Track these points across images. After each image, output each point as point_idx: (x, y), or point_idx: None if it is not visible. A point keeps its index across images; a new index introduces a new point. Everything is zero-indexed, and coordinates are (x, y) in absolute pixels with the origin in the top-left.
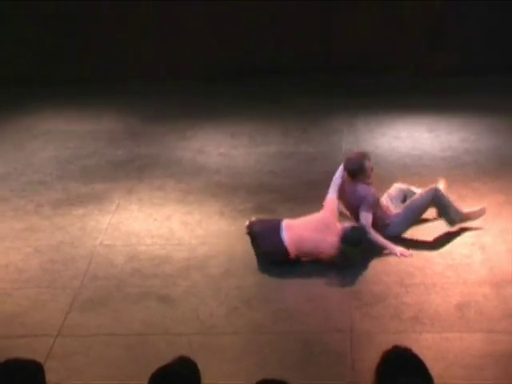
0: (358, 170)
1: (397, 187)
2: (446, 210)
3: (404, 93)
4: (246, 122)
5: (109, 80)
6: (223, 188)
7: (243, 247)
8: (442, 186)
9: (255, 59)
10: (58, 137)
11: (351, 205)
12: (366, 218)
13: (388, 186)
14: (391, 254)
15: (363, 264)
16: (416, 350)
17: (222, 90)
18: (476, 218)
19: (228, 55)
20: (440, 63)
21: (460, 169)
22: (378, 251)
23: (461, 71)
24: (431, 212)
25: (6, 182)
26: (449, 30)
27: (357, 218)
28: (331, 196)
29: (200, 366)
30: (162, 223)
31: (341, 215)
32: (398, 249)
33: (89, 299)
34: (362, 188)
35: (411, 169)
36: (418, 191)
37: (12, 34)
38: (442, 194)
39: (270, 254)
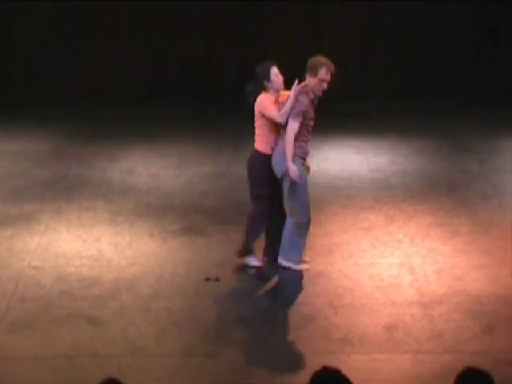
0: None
1: None
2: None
3: (330, 115)
4: (177, 143)
5: (36, 104)
6: (153, 209)
7: (172, 268)
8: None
9: (186, 81)
10: None
11: None
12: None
13: (319, 208)
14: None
15: (293, 285)
16: (345, 371)
17: (152, 112)
18: None
19: (158, 78)
20: (364, 87)
21: (388, 190)
22: (307, 273)
23: (384, 95)
24: (361, 232)
25: None
26: (373, 57)
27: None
28: None
29: None
30: (92, 244)
31: None
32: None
33: (16, 321)
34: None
35: (341, 190)
36: None
37: None
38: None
39: None
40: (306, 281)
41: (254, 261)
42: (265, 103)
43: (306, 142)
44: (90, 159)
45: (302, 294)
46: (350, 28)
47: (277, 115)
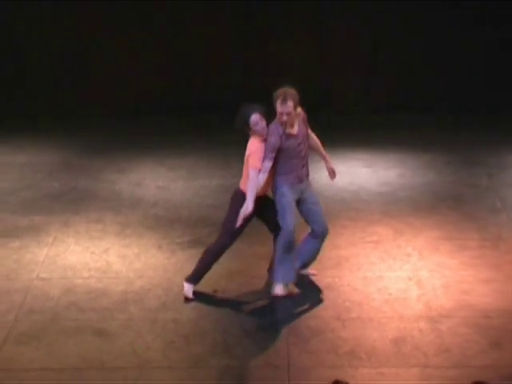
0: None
1: None
2: None
3: (339, 129)
4: (185, 156)
5: (46, 115)
6: (161, 221)
7: (180, 281)
8: None
9: (193, 95)
10: None
11: None
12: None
13: (327, 221)
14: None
15: (300, 298)
16: None
17: (160, 124)
18: None
19: (166, 90)
20: (373, 100)
21: (397, 204)
22: (316, 285)
23: (393, 109)
24: (370, 246)
25: None
26: (383, 69)
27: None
28: None
29: None
30: (100, 256)
31: None
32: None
33: (23, 333)
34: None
35: (349, 203)
36: None
37: None
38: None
39: None
40: (313, 294)
41: (190, 290)
42: (252, 150)
43: (293, 170)
44: (98, 171)
45: (310, 307)
46: (357, 41)
47: (256, 172)
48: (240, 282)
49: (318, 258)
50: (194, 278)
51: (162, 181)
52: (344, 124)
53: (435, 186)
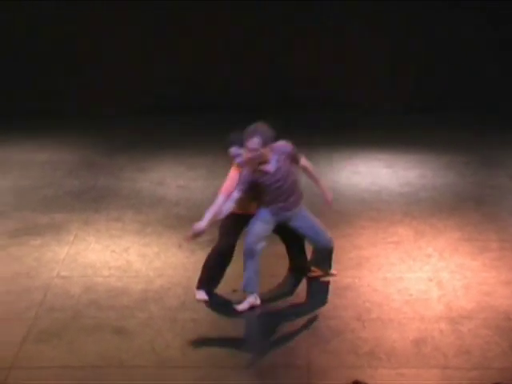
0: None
1: None
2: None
3: (361, 129)
4: (205, 155)
5: (65, 114)
6: (181, 220)
7: None
8: None
9: (213, 94)
10: (13, 167)
11: None
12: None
13: (347, 221)
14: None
15: (320, 298)
16: None
17: (181, 123)
18: None
19: (186, 88)
20: (394, 101)
21: (417, 204)
22: (336, 286)
23: (416, 109)
24: (390, 246)
25: None
26: (402, 71)
27: None
28: None
29: None
30: (120, 255)
31: None
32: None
33: (44, 331)
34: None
35: (370, 204)
36: None
37: None
38: None
39: None
40: (333, 294)
41: (202, 294)
42: (228, 176)
43: (275, 201)
44: (118, 170)
45: (330, 307)
46: (378, 41)
47: (223, 197)
48: (260, 282)
49: (338, 258)
50: (202, 284)
51: (182, 180)
52: (366, 124)
53: (456, 187)
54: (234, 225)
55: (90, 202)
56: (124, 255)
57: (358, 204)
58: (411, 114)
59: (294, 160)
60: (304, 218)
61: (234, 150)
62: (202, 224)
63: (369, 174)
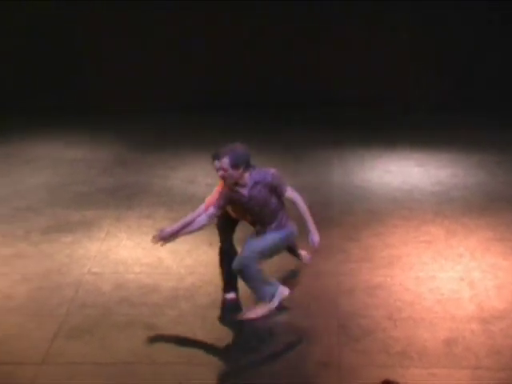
0: None
1: None
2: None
3: (392, 128)
4: None
5: (98, 111)
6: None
7: None
8: None
9: (243, 92)
10: (47, 164)
11: None
12: None
13: (379, 220)
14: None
15: (351, 297)
16: None
17: (209, 121)
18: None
19: (215, 87)
20: (427, 101)
21: (449, 203)
22: (367, 284)
23: (447, 108)
24: (422, 246)
25: None
26: (436, 71)
27: None
28: None
29: None
30: (151, 252)
31: None
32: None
33: (75, 327)
34: None
35: (401, 203)
36: None
37: None
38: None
39: None
40: (365, 293)
41: (229, 296)
42: (215, 190)
43: (252, 224)
44: (151, 167)
45: (361, 306)
46: (411, 40)
47: (202, 208)
48: (291, 280)
49: (370, 256)
50: (226, 287)
51: (212, 178)
52: (397, 123)
53: (487, 187)
54: (231, 222)
55: (123, 199)
56: (155, 252)
57: (390, 203)
58: (443, 113)
59: (275, 191)
60: (262, 236)
61: (216, 163)
62: (168, 230)
63: (400, 172)
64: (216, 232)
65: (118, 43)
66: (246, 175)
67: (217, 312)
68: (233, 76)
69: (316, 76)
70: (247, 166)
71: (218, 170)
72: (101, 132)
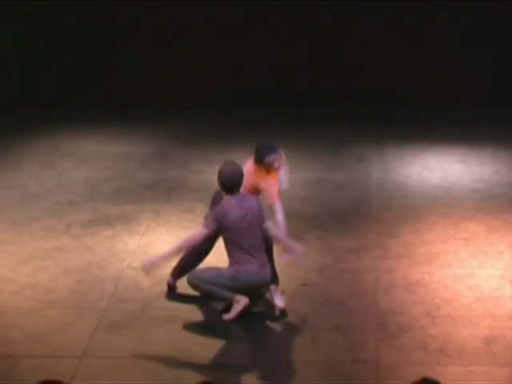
0: None
1: None
2: None
3: (433, 123)
4: None
5: (139, 105)
6: None
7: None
8: None
9: (283, 87)
10: (88, 158)
11: None
12: None
13: (417, 217)
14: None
15: (389, 294)
16: (442, 382)
17: (250, 116)
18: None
19: (256, 82)
20: (468, 96)
21: (491, 200)
22: (405, 282)
23: (491, 103)
24: (461, 242)
25: (37, 201)
26: (476, 66)
27: None
28: None
29: None
30: None
31: None
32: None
33: (114, 321)
34: None
35: (441, 199)
36: None
37: (38, 58)
38: None
39: None
40: (403, 290)
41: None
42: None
43: None
44: (190, 161)
45: (399, 303)
46: (451, 39)
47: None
48: (329, 276)
49: (408, 253)
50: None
51: None
52: (438, 119)
53: None
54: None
55: (162, 194)
56: None
57: (429, 199)
58: (485, 109)
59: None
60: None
61: (275, 155)
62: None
63: (440, 169)
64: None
65: (156, 40)
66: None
67: (255, 308)
68: (272, 73)
69: (356, 72)
70: None
71: (275, 161)
72: (140, 126)
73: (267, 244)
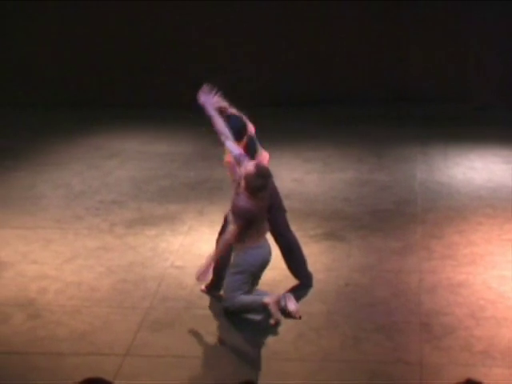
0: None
1: None
2: None
3: (477, 124)
4: (320, 148)
5: (183, 105)
6: (295, 213)
7: (314, 272)
8: None
9: (331, 87)
10: (132, 157)
11: None
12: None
13: (462, 217)
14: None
15: (433, 294)
16: None
17: (296, 115)
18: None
19: (303, 82)
20: None
21: None
22: (449, 282)
23: None
24: (507, 244)
25: (82, 200)
26: None
27: None
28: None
29: None
30: None
31: None
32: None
33: (158, 320)
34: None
35: (486, 200)
36: None
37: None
38: None
39: None
40: (447, 290)
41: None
42: None
43: None
44: None
45: (443, 304)
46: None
47: None
48: (372, 276)
49: (453, 254)
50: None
51: (297, 173)
52: (483, 119)
53: None
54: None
55: (205, 193)
56: None
57: (474, 200)
58: None
59: None
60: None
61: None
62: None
63: (486, 170)
64: (301, 227)
65: (195, 42)
66: None
67: (299, 307)
68: (314, 73)
69: (398, 73)
70: None
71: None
72: (183, 127)
73: (294, 246)
